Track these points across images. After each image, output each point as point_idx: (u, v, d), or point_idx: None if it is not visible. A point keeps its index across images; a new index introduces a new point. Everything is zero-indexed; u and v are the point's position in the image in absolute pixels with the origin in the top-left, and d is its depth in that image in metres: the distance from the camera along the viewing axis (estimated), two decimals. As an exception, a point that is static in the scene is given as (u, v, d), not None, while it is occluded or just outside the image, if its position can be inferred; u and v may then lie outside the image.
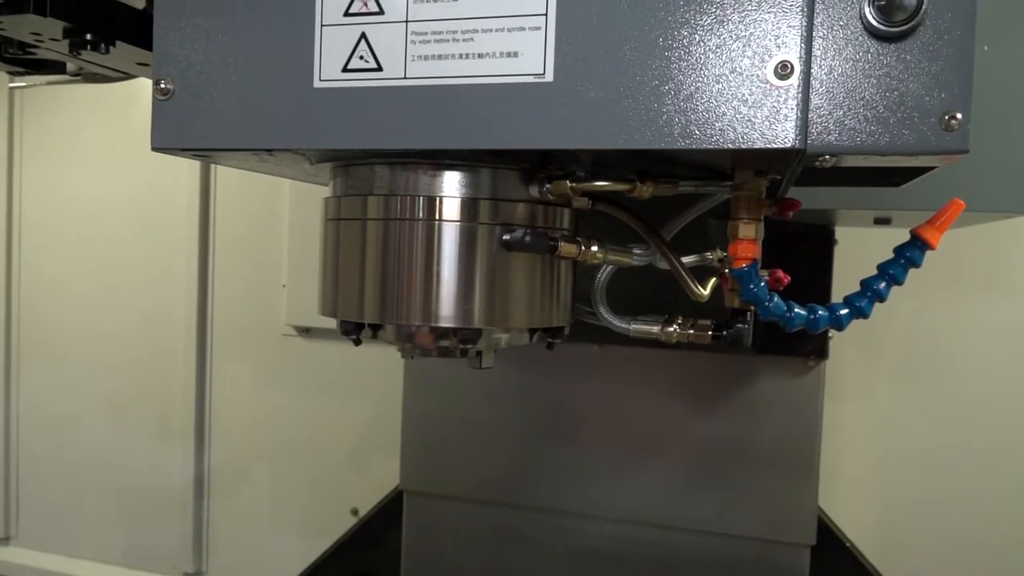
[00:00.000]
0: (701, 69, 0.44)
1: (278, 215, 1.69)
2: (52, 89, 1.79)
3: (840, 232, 1.14)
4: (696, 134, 0.44)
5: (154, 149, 0.55)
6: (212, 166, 1.76)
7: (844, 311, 0.54)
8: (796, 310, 0.54)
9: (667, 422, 1.21)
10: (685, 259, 0.63)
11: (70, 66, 0.92)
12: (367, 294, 0.57)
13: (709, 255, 0.70)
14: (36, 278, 1.97)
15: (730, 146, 0.43)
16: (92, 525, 1.90)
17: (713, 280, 0.65)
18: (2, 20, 0.55)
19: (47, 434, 1.96)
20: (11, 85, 0.95)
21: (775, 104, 0.43)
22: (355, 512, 1.62)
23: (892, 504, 1.39)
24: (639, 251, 0.58)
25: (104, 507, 1.89)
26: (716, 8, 0.44)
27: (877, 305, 0.54)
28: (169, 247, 1.81)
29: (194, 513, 1.79)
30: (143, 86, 0.78)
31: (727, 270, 0.56)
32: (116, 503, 1.88)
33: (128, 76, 0.87)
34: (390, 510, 1.47)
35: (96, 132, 1.86)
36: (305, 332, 1.71)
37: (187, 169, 1.76)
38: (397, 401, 1.39)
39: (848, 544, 1.24)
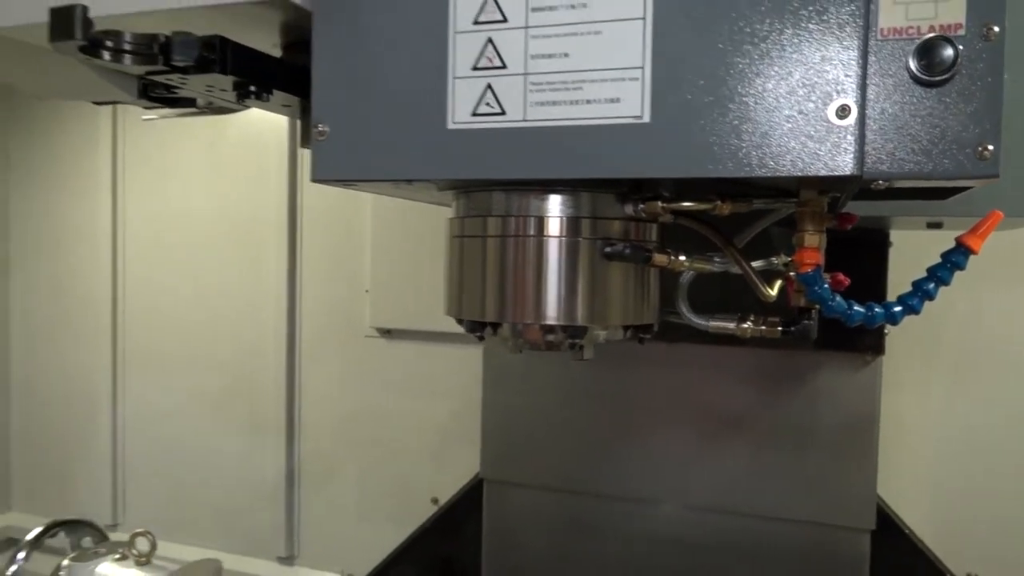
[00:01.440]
0: (774, 111, 0.54)
1: (361, 226, 1.82)
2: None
3: (895, 235, 1.21)
4: (771, 164, 0.54)
5: (313, 181, 0.67)
6: (300, 183, 1.90)
7: (898, 308, 0.63)
8: (855, 307, 0.63)
9: (732, 414, 1.29)
10: (754, 264, 0.72)
11: (200, 101, 1.05)
12: (488, 298, 0.68)
13: (774, 260, 0.79)
14: (139, 287, 2.14)
15: (799, 174, 0.53)
16: (192, 512, 2.05)
17: (779, 282, 0.74)
18: (187, 78, 0.68)
19: (150, 429, 2.13)
20: (144, 118, 1.07)
21: (836, 140, 0.52)
22: (435, 501, 1.72)
23: (949, 492, 1.45)
24: (719, 259, 0.67)
25: (203, 496, 2.05)
26: (787, 61, 0.53)
27: (933, 303, 0.63)
28: (260, 257, 1.95)
29: (286, 502, 1.93)
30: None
31: (793, 274, 0.65)
32: (214, 492, 2.03)
33: (245, 108, 0.99)
34: (469, 498, 1.57)
35: (192, 153, 2.02)
36: (387, 333, 1.83)
37: (276, 186, 1.91)
38: (472, 397, 1.50)
39: (907, 530, 1.30)
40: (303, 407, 1.94)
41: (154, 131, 2.04)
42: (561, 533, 1.45)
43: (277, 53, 0.82)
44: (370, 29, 0.64)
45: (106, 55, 0.60)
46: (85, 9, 0.57)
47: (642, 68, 0.57)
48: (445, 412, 1.79)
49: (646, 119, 0.57)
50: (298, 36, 0.76)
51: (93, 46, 0.59)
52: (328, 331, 1.91)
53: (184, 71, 0.64)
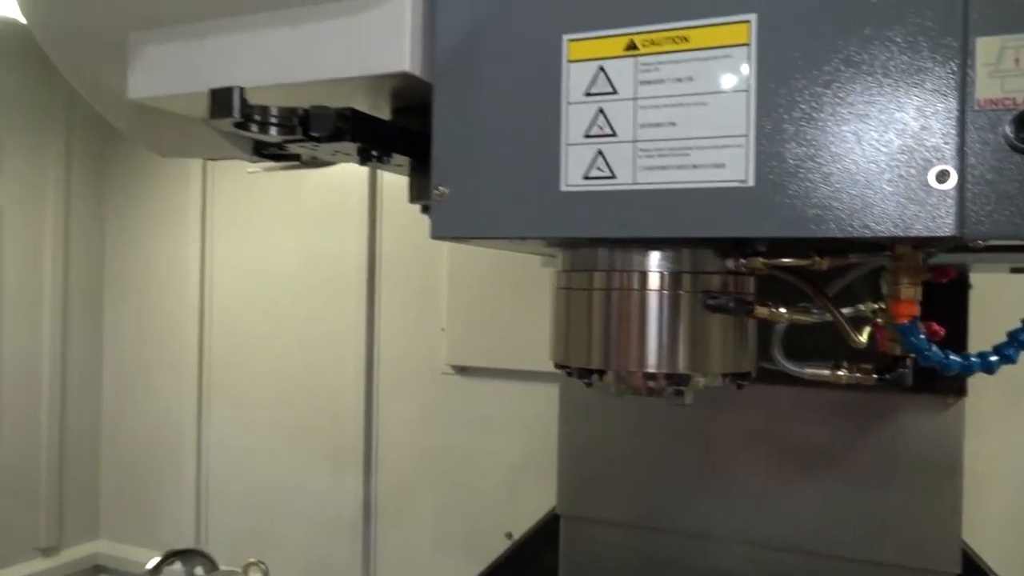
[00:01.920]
0: (876, 175, 0.57)
1: (438, 266, 1.89)
2: (237, 165, 2.07)
3: (974, 277, 1.22)
4: (873, 225, 0.57)
5: (433, 237, 0.73)
6: (379, 226, 1.98)
7: (994, 358, 0.65)
8: (952, 357, 0.66)
9: (812, 452, 1.30)
10: (842, 310, 0.76)
11: (304, 156, 1.13)
12: (594, 347, 0.72)
13: (861, 307, 0.82)
14: (224, 326, 2.24)
15: (901, 235, 0.57)
16: (271, 543, 2.12)
17: (867, 329, 0.77)
18: (319, 145, 0.74)
19: (232, 462, 2.22)
20: (249, 170, 1.16)
21: (936, 203, 0.56)
22: (509, 536, 1.75)
23: (1036, 537, 1.42)
24: (815, 310, 0.71)
25: (282, 528, 2.12)
26: (887, 130, 0.57)
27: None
28: (340, 297, 2.03)
29: (363, 535, 1.98)
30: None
31: (882, 320, 0.68)
32: (293, 525, 2.10)
33: (341, 162, 1.06)
34: (543, 533, 1.59)
35: (277, 199, 2.13)
36: (462, 371, 1.88)
37: (356, 229, 1.99)
38: (547, 433, 1.54)
39: (992, 575, 1.29)
40: (381, 443, 2.00)
41: (241, 178, 2.15)
42: (636, 569, 1.46)
43: (386, 113, 0.89)
44: (487, 100, 0.70)
45: (254, 128, 0.67)
46: (242, 91, 0.64)
47: (746, 136, 0.61)
48: (520, 448, 1.82)
49: (751, 183, 0.61)
50: (408, 101, 0.83)
51: (244, 120, 0.66)
52: (405, 368, 1.97)
53: (318, 140, 0.71)
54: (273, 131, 0.68)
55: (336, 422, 2.03)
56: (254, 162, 1.11)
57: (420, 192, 0.85)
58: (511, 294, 1.76)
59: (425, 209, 0.88)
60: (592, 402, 1.48)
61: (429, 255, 1.90)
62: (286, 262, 2.12)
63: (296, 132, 0.69)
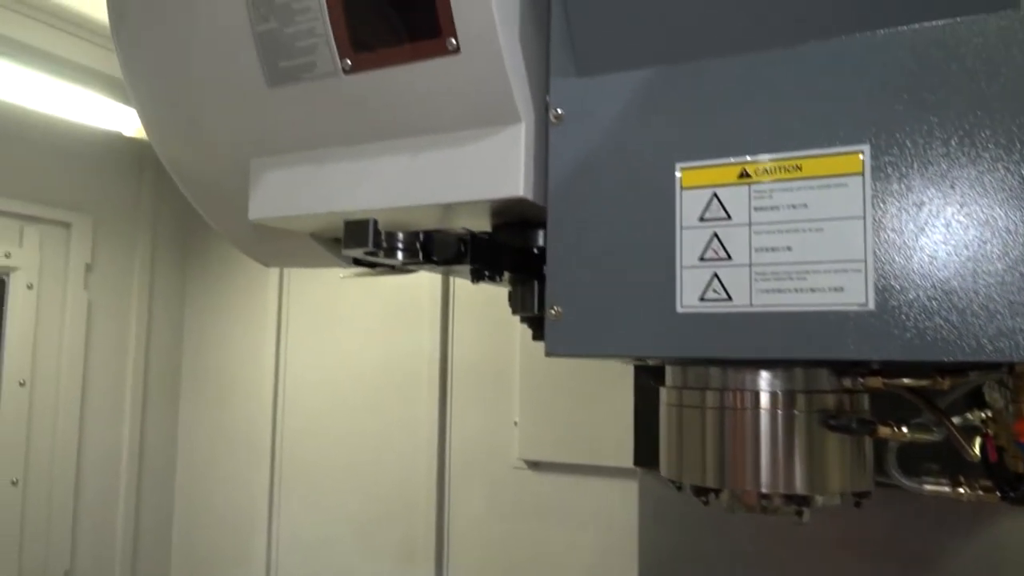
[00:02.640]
0: (999, 294, 0.58)
1: (510, 360, 1.91)
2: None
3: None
4: (1001, 346, 0.58)
5: (548, 355, 0.75)
6: (450, 325, 2.02)
7: None
8: (1082, 479, 0.65)
9: (906, 561, 1.26)
10: (953, 419, 0.75)
11: (396, 265, 1.17)
12: (708, 466, 0.72)
13: (969, 416, 0.81)
14: (298, 417, 2.28)
15: (1033, 359, 0.57)
16: (341, 640, 2.10)
17: (978, 439, 0.76)
18: (440, 265, 0.78)
19: (304, 555, 2.22)
20: (341, 276, 1.21)
21: (1067, 329, 0.56)
22: (586, 638, 1.71)
23: None
24: (936, 428, 0.71)
25: (352, 623, 2.10)
26: (1009, 248, 0.58)
27: None
28: (412, 391, 2.06)
29: (434, 632, 1.95)
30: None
31: (1014, 442, 0.67)
32: (363, 620, 2.08)
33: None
34: (623, 638, 1.56)
35: (351, 297, 2.19)
36: (535, 466, 1.88)
37: (429, 326, 2.04)
38: (622, 530, 1.52)
39: None
40: (452, 537, 1.99)
41: (317, 278, 2.23)
42: None
43: (486, 225, 0.93)
44: (601, 223, 0.72)
45: (381, 254, 0.71)
46: (376, 223, 0.68)
47: (864, 261, 0.63)
48: (595, 545, 1.80)
49: (871, 307, 0.62)
50: (511, 216, 0.87)
51: (375, 249, 0.70)
52: (477, 462, 1.97)
53: (437, 263, 0.74)
54: (399, 256, 0.71)
55: (407, 516, 2.03)
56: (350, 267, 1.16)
57: (524, 304, 0.87)
58: (585, 388, 1.77)
59: (526, 320, 0.91)
60: (673, 501, 1.46)
61: (502, 348, 1.92)
62: (359, 358, 2.17)
63: (418, 256, 0.73)
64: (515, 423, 1.89)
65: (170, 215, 2.51)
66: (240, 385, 2.41)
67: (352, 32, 0.77)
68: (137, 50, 0.95)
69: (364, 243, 0.67)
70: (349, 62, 0.78)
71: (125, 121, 1.97)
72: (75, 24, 1.79)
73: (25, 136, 2.09)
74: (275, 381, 2.31)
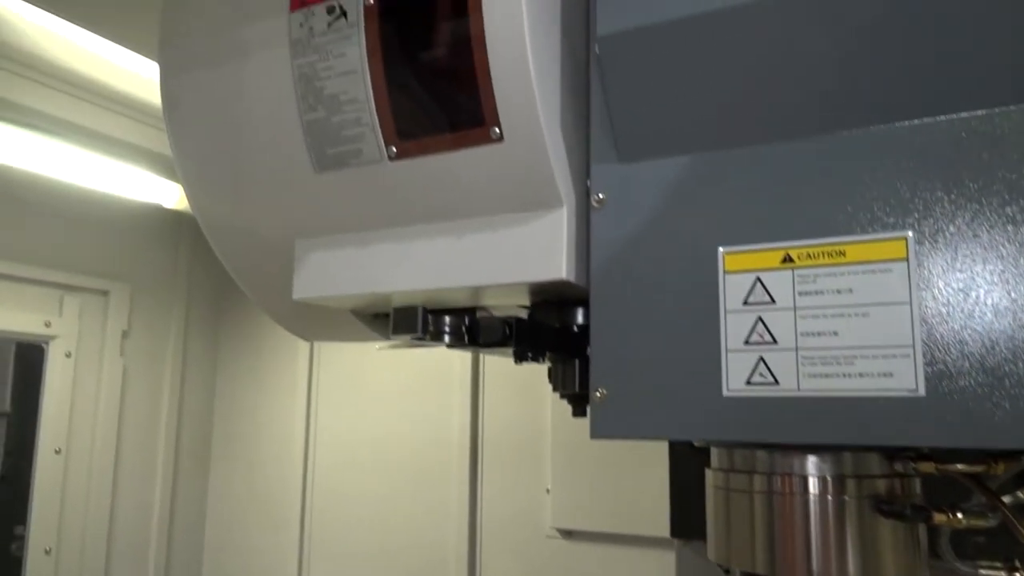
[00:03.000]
0: (1054, 390, 0.58)
1: (542, 427, 1.90)
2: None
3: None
4: (1058, 439, 0.57)
5: (593, 438, 0.75)
6: (481, 394, 2.02)
7: None
8: None
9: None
10: (1003, 498, 0.73)
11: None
12: (757, 551, 0.71)
13: (1021, 494, 0.80)
14: (327, 488, 2.28)
15: (1091, 450, 0.56)
16: None
17: (1032, 522, 0.74)
18: (484, 348, 0.79)
19: (333, 625, 2.19)
20: (377, 347, 1.22)
21: (1126, 419, 0.56)
22: None
23: None
24: (991, 514, 0.69)
25: None
26: (1062, 345, 0.58)
27: None
28: (442, 461, 2.06)
29: None
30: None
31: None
32: None
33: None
34: None
35: (381, 368, 2.21)
36: (568, 535, 1.85)
37: (459, 395, 2.04)
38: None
39: None
40: (484, 608, 1.96)
41: (347, 348, 2.25)
42: None
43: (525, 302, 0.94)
44: (644, 306, 0.73)
45: (427, 338, 0.72)
46: (425, 309, 0.69)
47: (912, 346, 0.63)
48: (630, 619, 1.76)
49: (921, 392, 0.62)
50: (550, 295, 0.88)
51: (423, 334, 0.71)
52: (509, 531, 1.95)
53: (482, 346, 0.75)
54: (446, 339, 0.72)
55: (438, 585, 2.01)
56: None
57: (565, 383, 0.88)
58: (618, 455, 1.75)
59: (567, 397, 0.91)
60: (712, 573, 1.43)
61: (533, 415, 1.92)
62: (390, 426, 2.17)
63: (464, 340, 0.74)
64: (547, 491, 1.87)
65: (205, 282, 2.56)
66: (270, 451, 2.41)
67: (397, 121, 0.80)
68: (188, 134, 0.99)
69: (414, 330, 0.68)
70: (394, 149, 0.81)
71: (165, 193, 2.03)
72: (118, 102, 1.86)
73: (68, 208, 2.15)
74: (305, 448, 2.32)
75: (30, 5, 1.51)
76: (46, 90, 1.72)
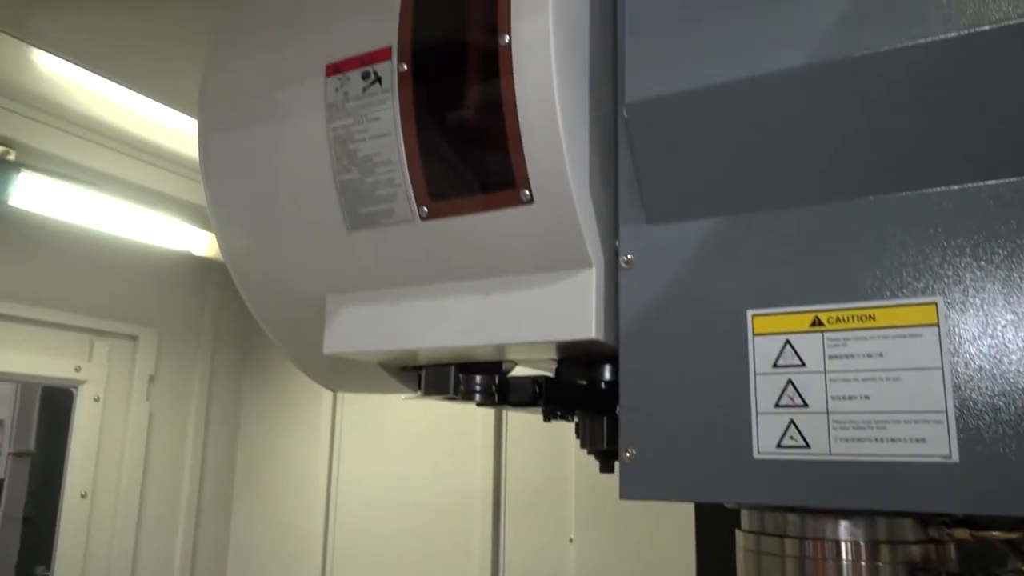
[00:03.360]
0: (1091, 459, 0.57)
1: (564, 476, 1.89)
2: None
3: None
4: (1096, 510, 0.57)
5: (622, 498, 0.75)
6: (504, 444, 2.02)
7: None
8: None
9: None
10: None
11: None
12: (791, 615, 0.71)
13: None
14: (348, 532, 2.27)
15: None
16: None
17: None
18: (514, 407, 0.80)
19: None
20: (404, 398, 1.23)
21: None
22: None
23: None
24: (1028, 582, 0.68)
25: None
26: (1097, 414, 0.58)
27: None
28: (464, 509, 2.05)
29: None
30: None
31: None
32: None
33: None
34: None
35: (404, 421, 2.22)
36: (592, 586, 1.83)
37: (481, 447, 2.04)
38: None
39: None
40: (507, 661, 1.93)
41: (369, 403, 2.26)
42: None
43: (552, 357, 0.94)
44: (674, 366, 0.74)
45: (458, 397, 0.73)
46: (456, 369, 0.70)
47: (945, 412, 0.63)
48: (656, 675, 1.73)
49: (955, 459, 0.62)
50: (576, 353, 0.88)
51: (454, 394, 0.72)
52: (531, 580, 1.93)
53: (512, 405, 0.76)
54: (477, 398, 0.73)
55: (460, 635, 1.99)
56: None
57: (593, 440, 0.88)
58: (643, 507, 1.74)
59: (594, 453, 0.91)
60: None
61: (556, 464, 1.91)
62: (412, 475, 2.17)
63: (494, 399, 0.75)
64: (570, 540, 1.86)
65: (231, 327, 2.59)
66: (292, 494, 2.41)
67: (429, 182, 0.82)
68: (225, 192, 1.01)
69: (446, 391, 0.69)
70: (426, 210, 0.82)
71: (195, 241, 2.07)
72: (150, 153, 1.91)
73: (100, 256, 2.20)
74: (327, 491, 2.32)
75: (70, 63, 1.57)
76: (81, 142, 1.77)
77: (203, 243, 2.08)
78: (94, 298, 2.21)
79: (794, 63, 0.67)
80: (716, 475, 0.70)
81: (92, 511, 2.20)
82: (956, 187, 0.65)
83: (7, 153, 1.61)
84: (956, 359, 0.63)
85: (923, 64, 0.63)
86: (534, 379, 0.75)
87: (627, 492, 0.74)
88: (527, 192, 0.77)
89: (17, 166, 1.62)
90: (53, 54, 1.53)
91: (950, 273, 0.64)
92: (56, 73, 1.60)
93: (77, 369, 2.17)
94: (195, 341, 2.52)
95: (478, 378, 0.73)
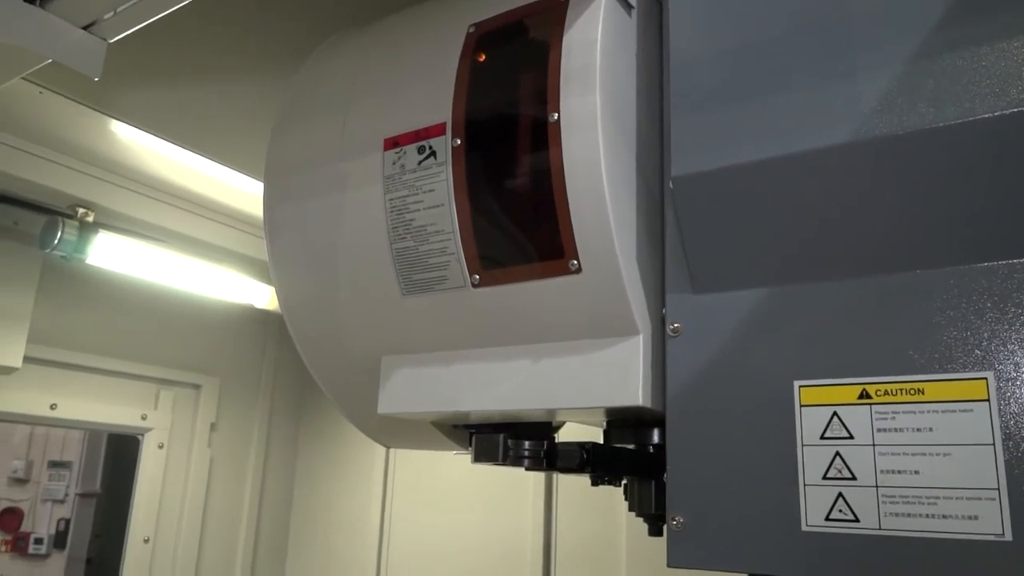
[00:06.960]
0: None
1: (616, 539, 1.87)
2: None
3: None
4: None
5: (670, 566, 0.75)
6: (554, 503, 2.02)
7: None
8: None
9: None
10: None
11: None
12: None
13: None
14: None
15: None
16: None
17: None
18: (561, 472, 0.81)
19: None
20: (454, 454, 1.25)
21: None
22: None
23: None
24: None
25: None
26: None
27: None
28: (516, 561, 2.04)
29: None
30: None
31: None
32: None
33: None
34: None
35: (456, 476, 2.23)
36: (644, 647, 1.80)
37: (532, 506, 2.04)
38: None
39: None
40: None
41: (421, 458, 2.28)
42: None
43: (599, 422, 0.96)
44: (721, 436, 0.74)
45: (507, 462, 0.75)
46: (506, 439, 0.72)
47: (997, 489, 0.62)
48: None
49: (1008, 537, 0.61)
50: (623, 417, 0.89)
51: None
52: (583, 640, 1.91)
53: (559, 470, 0.77)
54: (526, 463, 0.75)
55: None
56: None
57: (641, 504, 0.88)
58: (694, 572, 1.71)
59: (644, 517, 0.92)
60: None
61: (607, 521, 1.90)
62: (463, 524, 2.18)
63: (542, 464, 0.76)
64: (623, 601, 1.83)
65: (288, 376, 2.66)
66: (344, 546, 2.43)
67: (481, 251, 0.85)
68: (287, 254, 1.06)
69: (495, 459, 0.71)
70: (478, 277, 0.85)
71: (255, 294, 2.14)
72: (214, 210, 1.99)
73: (166, 308, 2.29)
74: (379, 540, 2.33)
75: (145, 132, 1.67)
76: (152, 202, 1.86)
77: (264, 296, 2.16)
78: (161, 349, 2.30)
79: (837, 140, 0.68)
80: (764, 547, 0.70)
81: (154, 555, 2.25)
82: (1004, 262, 0.65)
83: (87, 215, 1.70)
84: (1009, 436, 0.62)
85: (968, 141, 0.64)
86: (581, 445, 0.77)
87: (674, 560, 0.75)
88: (575, 262, 0.79)
89: (95, 227, 1.72)
90: (130, 124, 1.63)
91: (1001, 348, 0.64)
92: (131, 140, 1.70)
93: (144, 417, 2.25)
94: (255, 390, 2.59)
95: (527, 444, 0.75)
